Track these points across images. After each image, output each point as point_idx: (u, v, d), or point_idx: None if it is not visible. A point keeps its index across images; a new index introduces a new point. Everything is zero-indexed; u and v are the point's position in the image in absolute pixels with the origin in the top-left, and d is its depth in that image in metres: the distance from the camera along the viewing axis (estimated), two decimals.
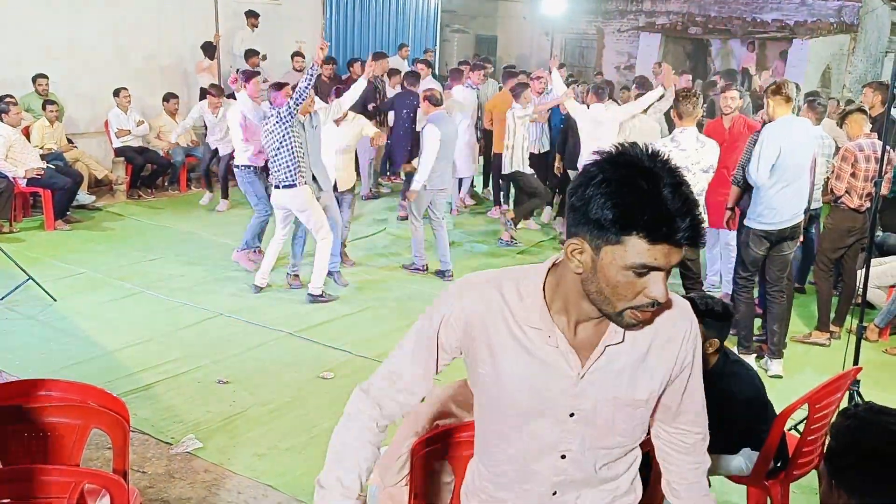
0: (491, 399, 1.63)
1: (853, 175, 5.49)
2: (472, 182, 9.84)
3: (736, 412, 3.04)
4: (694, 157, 5.17)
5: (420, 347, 1.66)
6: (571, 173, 7.98)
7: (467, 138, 9.11)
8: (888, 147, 4.94)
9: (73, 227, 7.91)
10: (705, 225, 1.44)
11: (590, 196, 1.38)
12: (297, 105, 5.71)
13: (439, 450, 2.42)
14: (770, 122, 5.02)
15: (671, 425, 1.74)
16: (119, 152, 9.20)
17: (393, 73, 10.21)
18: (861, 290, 4.53)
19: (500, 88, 9.70)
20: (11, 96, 7.89)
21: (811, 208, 5.86)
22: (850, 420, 1.63)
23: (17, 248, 6.84)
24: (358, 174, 7.24)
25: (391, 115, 9.41)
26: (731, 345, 5.01)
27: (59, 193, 7.83)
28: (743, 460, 3.13)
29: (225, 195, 8.86)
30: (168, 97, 9.56)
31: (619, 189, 1.36)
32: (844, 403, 3.64)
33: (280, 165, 5.79)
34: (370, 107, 9.61)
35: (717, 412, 3.03)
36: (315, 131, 6.15)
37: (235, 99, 7.38)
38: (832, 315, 5.80)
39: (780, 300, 5.17)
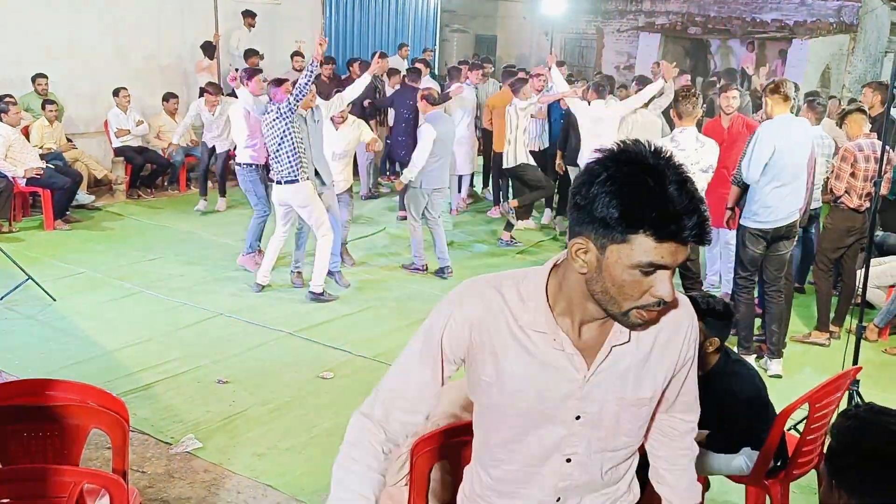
0: (494, 405, 1.59)
1: (853, 175, 5.49)
2: (472, 181, 9.84)
3: (737, 411, 3.04)
4: (693, 156, 5.17)
5: (423, 361, 1.60)
6: (572, 170, 7.96)
7: (467, 136, 9.13)
8: (888, 147, 4.94)
9: (73, 226, 7.91)
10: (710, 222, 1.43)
11: (594, 194, 1.36)
12: (298, 101, 5.72)
13: (439, 449, 2.42)
14: (768, 120, 5.02)
15: (666, 413, 1.75)
16: (118, 152, 9.20)
17: (392, 72, 10.21)
18: (860, 289, 4.53)
19: (501, 87, 9.70)
20: (11, 96, 7.89)
21: (811, 208, 5.86)
22: (851, 420, 1.63)
23: (17, 247, 6.84)
24: (356, 174, 7.23)
25: (391, 114, 9.40)
26: (731, 345, 5.00)
27: (59, 193, 7.83)
28: (743, 459, 3.13)
29: (222, 193, 8.84)
30: (168, 97, 9.56)
31: (625, 187, 1.34)
32: (844, 403, 3.64)
33: (282, 160, 5.79)
34: (365, 103, 9.58)
35: (718, 412, 3.04)
36: (317, 126, 6.16)
37: (235, 97, 7.37)
38: (832, 315, 5.80)
39: (777, 300, 5.18)
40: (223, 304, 5.95)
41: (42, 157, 8.04)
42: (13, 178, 7.65)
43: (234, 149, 7.69)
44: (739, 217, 5.25)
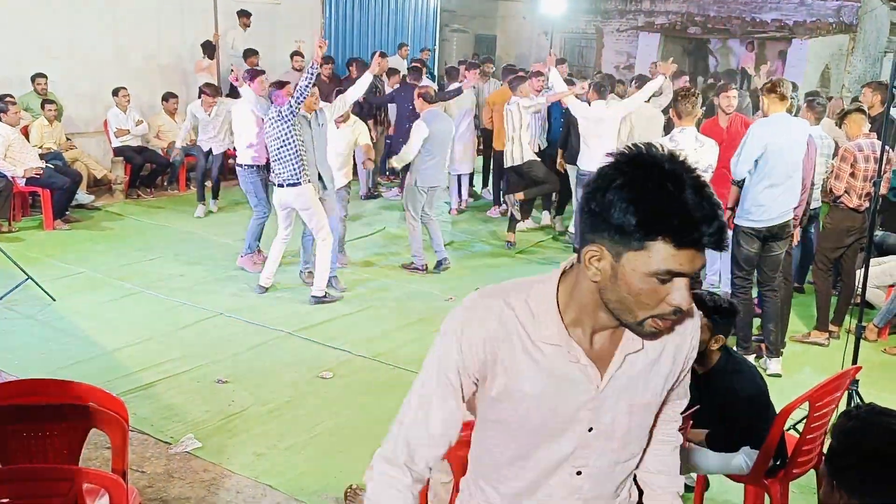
0: (503, 421, 1.54)
1: (852, 175, 5.49)
2: (471, 181, 9.83)
3: (738, 410, 3.05)
4: (693, 156, 5.17)
5: (443, 390, 1.52)
6: (571, 169, 7.95)
7: (467, 136, 9.12)
8: (887, 147, 4.94)
9: (72, 226, 7.90)
10: None
11: (610, 200, 1.31)
12: (299, 103, 5.72)
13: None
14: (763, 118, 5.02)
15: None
16: (118, 152, 9.19)
17: (392, 72, 10.21)
18: (860, 289, 4.53)
19: (502, 85, 9.68)
20: (10, 95, 7.89)
21: (811, 208, 5.86)
22: (852, 421, 1.63)
23: (16, 247, 6.84)
24: (356, 174, 7.25)
25: (391, 114, 9.38)
26: (730, 345, 5.00)
27: (58, 193, 7.82)
28: (743, 458, 3.14)
29: (215, 195, 8.77)
30: (167, 97, 9.55)
31: (643, 192, 1.29)
32: (844, 403, 3.64)
33: (284, 163, 5.79)
34: (361, 98, 9.54)
35: (720, 410, 3.05)
36: (321, 129, 6.15)
37: (234, 98, 7.38)
38: (831, 315, 5.80)
39: (772, 298, 5.17)
40: (223, 304, 5.95)
41: (41, 156, 8.03)
42: (13, 177, 7.65)
43: (234, 149, 7.68)
44: None
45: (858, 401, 4.10)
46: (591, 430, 1.51)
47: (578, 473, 1.55)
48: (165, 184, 9.67)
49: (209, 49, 9.98)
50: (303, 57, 10.56)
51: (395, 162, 7.08)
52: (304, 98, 5.72)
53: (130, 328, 5.42)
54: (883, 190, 4.84)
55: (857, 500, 1.56)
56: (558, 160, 8.34)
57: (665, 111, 7.60)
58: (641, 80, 8.07)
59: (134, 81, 9.53)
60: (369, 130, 7.46)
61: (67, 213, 8.03)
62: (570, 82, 8.26)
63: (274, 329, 5.55)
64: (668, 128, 7.05)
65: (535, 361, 1.47)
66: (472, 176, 9.73)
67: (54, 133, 8.56)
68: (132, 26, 9.80)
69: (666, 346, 1.54)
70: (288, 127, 5.72)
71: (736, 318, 3.18)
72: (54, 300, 5.79)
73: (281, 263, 6.32)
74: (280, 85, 5.91)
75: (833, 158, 5.93)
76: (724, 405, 2.99)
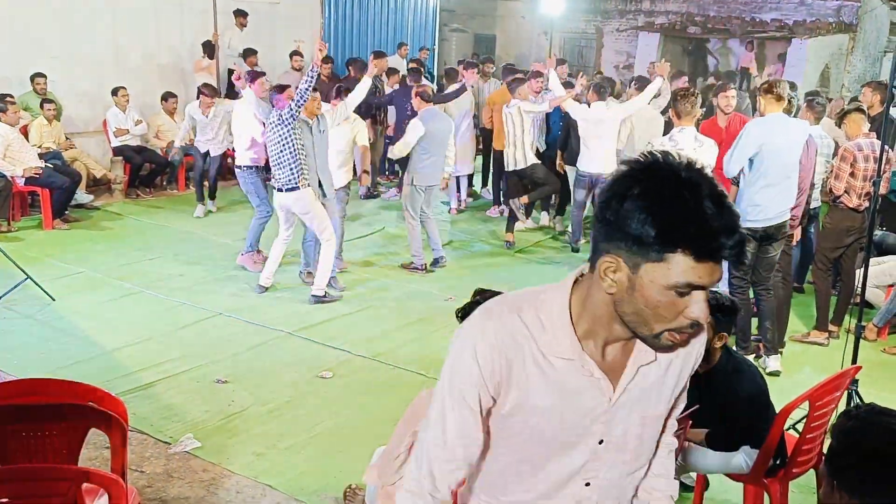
0: (513, 435, 1.50)
1: (852, 175, 5.49)
2: (471, 181, 9.83)
3: (738, 409, 3.05)
4: (692, 156, 5.16)
5: (460, 413, 1.48)
6: (571, 170, 7.94)
7: (466, 136, 9.12)
8: (887, 146, 4.94)
9: (72, 226, 7.90)
10: None
11: (628, 210, 1.27)
12: (299, 107, 5.70)
13: None
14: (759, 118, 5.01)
15: None
16: (117, 151, 9.18)
17: (392, 72, 10.20)
18: (860, 289, 4.53)
19: (502, 85, 9.67)
20: (10, 95, 7.88)
21: (811, 208, 5.86)
22: (852, 421, 1.63)
23: (16, 247, 6.83)
24: (355, 174, 7.25)
25: (390, 114, 9.37)
26: (730, 345, 5.01)
27: (58, 192, 7.82)
28: (742, 458, 3.14)
29: (212, 196, 8.73)
30: (166, 96, 9.54)
31: (662, 202, 1.25)
32: (843, 402, 3.64)
33: (283, 167, 5.78)
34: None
35: (720, 410, 3.05)
36: (322, 135, 6.13)
37: (233, 98, 7.36)
38: (831, 314, 5.80)
39: (767, 297, 5.17)
40: (223, 304, 5.95)
41: (41, 156, 8.02)
42: (12, 177, 7.64)
43: (233, 150, 7.66)
44: None
45: (858, 400, 4.10)
46: (601, 442, 1.49)
47: (587, 485, 1.53)
48: (165, 183, 9.67)
49: (209, 49, 9.97)
50: (302, 57, 10.54)
51: (391, 154, 7.30)
52: (305, 101, 5.71)
53: (130, 328, 5.42)
54: (882, 190, 4.84)
55: (857, 500, 1.56)
56: (558, 161, 8.34)
57: (664, 112, 7.60)
58: (640, 82, 8.07)
59: (133, 81, 9.52)
60: (368, 131, 7.46)
61: (67, 212, 8.03)
62: (569, 84, 8.24)
63: (274, 329, 5.54)
64: (668, 130, 7.05)
65: (547, 375, 1.43)
66: (471, 176, 9.73)
67: (53, 133, 8.56)
68: (131, 26, 9.79)
69: (676, 357, 1.52)
70: (288, 131, 5.71)
71: (737, 315, 3.18)
72: (54, 300, 5.78)
73: (281, 263, 6.32)
74: (281, 89, 5.89)
75: (833, 158, 5.92)
76: (725, 405, 2.99)
